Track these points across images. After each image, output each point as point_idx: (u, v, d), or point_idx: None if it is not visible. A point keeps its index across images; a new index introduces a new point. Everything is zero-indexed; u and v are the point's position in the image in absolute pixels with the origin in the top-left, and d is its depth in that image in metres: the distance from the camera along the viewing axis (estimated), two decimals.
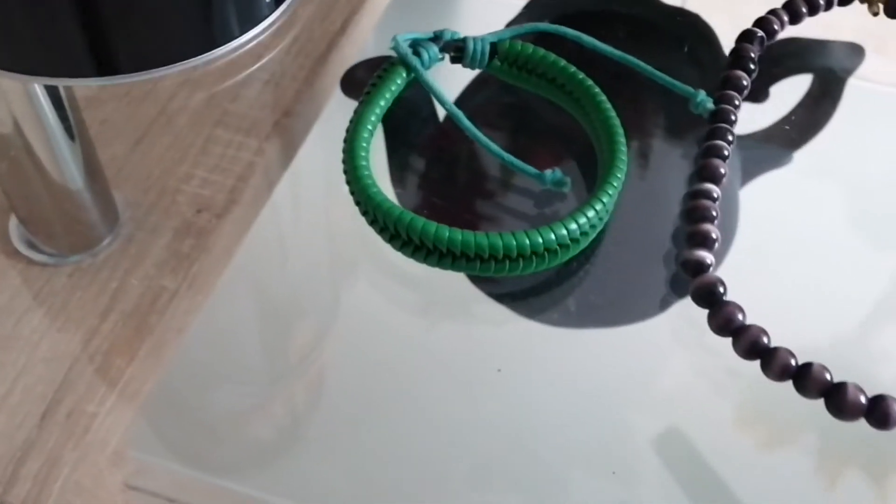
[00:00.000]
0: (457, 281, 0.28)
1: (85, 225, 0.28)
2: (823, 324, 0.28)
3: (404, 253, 0.27)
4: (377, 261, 0.29)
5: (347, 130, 0.29)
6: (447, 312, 0.28)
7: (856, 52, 0.35)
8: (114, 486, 0.25)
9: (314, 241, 0.30)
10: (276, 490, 0.24)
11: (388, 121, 0.31)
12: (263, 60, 0.34)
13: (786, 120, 0.34)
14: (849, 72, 0.35)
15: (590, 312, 0.28)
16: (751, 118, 0.34)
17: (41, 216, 0.27)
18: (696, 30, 0.37)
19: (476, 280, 0.28)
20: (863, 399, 0.23)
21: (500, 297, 0.28)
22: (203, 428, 0.26)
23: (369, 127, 0.29)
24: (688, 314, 0.27)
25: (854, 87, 0.35)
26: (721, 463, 0.25)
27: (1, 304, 0.27)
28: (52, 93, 0.24)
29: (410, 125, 0.32)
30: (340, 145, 0.30)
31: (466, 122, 0.28)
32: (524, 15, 0.36)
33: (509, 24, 0.35)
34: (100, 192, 0.28)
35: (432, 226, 0.26)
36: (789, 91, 0.35)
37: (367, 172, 0.27)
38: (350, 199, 0.28)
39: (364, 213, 0.28)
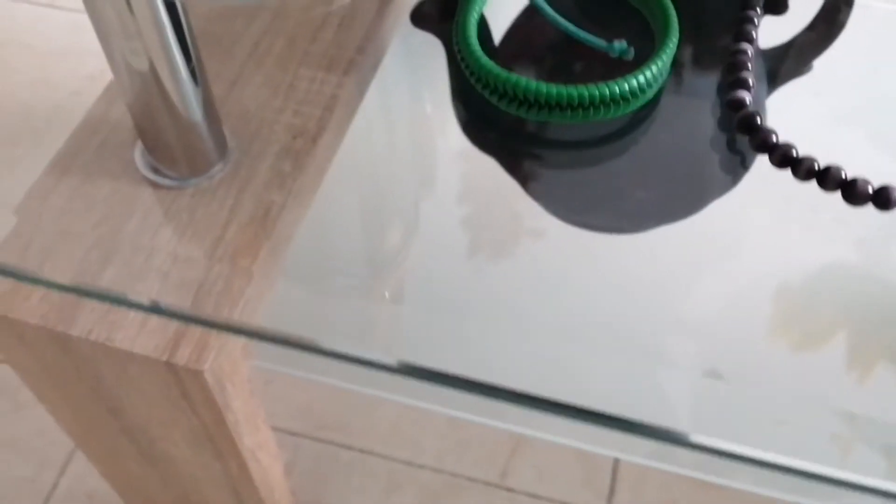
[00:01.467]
0: (520, 198, 0.33)
1: (202, 152, 0.33)
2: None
3: (508, 109, 0.33)
4: (448, 169, 0.33)
5: (455, 16, 0.35)
6: (512, 213, 0.33)
7: None
8: (252, 357, 0.30)
9: (394, 156, 0.35)
10: (382, 350, 0.29)
11: (492, 15, 0.37)
12: (335, 6, 0.38)
13: (805, 32, 0.38)
14: None
15: (658, 160, 0.33)
16: (773, 32, 0.38)
17: (167, 145, 0.32)
18: None
19: (537, 196, 0.33)
20: (869, 188, 0.31)
21: (555, 209, 0.33)
22: (317, 309, 0.31)
23: (473, 14, 0.35)
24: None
25: (861, 7, 0.39)
26: (759, 364, 0.29)
27: (137, 221, 0.32)
28: (181, 39, 0.29)
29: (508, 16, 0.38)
30: (410, 75, 0.34)
31: (549, 10, 0.35)
32: None
33: None
34: (213, 124, 0.32)
35: (532, 83, 0.33)
36: (806, 4, 0.39)
37: (476, 47, 0.34)
38: (422, 116, 0.33)
39: (475, 80, 0.34)
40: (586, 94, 0.32)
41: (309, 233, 0.32)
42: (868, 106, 0.36)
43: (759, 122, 0.32)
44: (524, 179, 0.33)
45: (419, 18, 0.37)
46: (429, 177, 0.34)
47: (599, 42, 0.35)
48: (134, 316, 0.30)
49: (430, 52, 0.37)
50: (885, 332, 0.30)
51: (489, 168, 0.33)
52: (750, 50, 0.35)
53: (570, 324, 0.30)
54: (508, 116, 0.34)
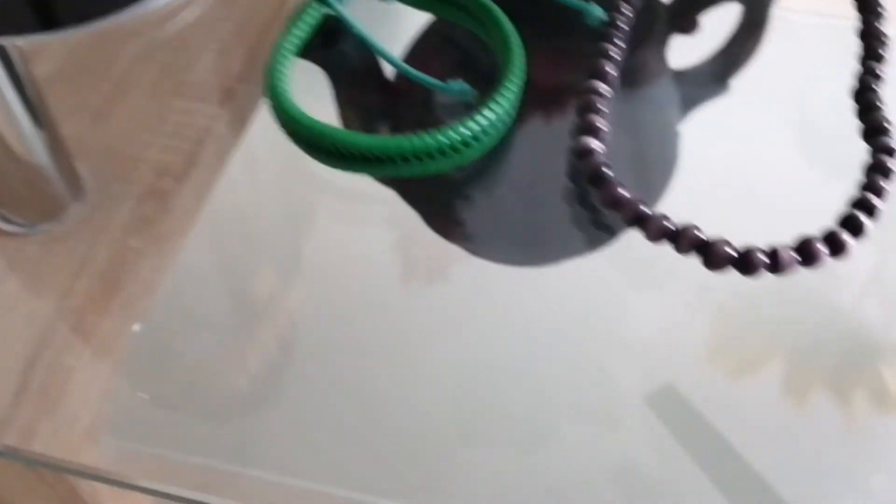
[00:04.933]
0: (410, 221, 0.30)
1: (49, 195, 0.29)
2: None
3: (322, 161, 0.29)
4: (333, 212, 0.30)
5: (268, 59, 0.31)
6: (402, 255, 0.30)
7: None
8: (93, 431, 0.26)
9: (273, 198, 0.32)
10: (251, 433, 0.26)
11: (314, 52, 0.33)
12: (212, 29, 0.35)
13: (719, 52, 0.35)
14: None
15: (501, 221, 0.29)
16: (685, 53, 0.35)
17: (8, 188, 0.29)
18: None
19: (428, 221, 0.30)
20: (730, 250, 0.26)
21: (451, 237, 0.30)
22: (177, 377, 0.27)
23: (286, 54, 0.31)
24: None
25: (778, 19, 0.37)
26: (693, 394, 0.26)
27: None
28: (12, 73, 0.26)
29: (336, 54, 0.34)
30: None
31: (376, 44, 0.31)
32: None
33: None
34: (63, 164, 0.29)
35: (340, 132, 0.28)
36: (719, 22, 0.36)
37: (285, 91, 0.30)
38: (307, 156, 0.30)
39: (285, 129, 0.30)
40: (407, 144, 0.27)
41: (175, 283, 0.29)
42: (792, 120, 0.34)
43: (605, 173, 0.28)
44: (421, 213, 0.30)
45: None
46: (313, 218, 0.31)
47: (434, 82, 0.30)
48: None
49: (315, 82, 0.33)
50: (821, 357, 0.27)
51: (384, 203, 0.30)
52: (602, 88, 0.31)
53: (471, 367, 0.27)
54: None
